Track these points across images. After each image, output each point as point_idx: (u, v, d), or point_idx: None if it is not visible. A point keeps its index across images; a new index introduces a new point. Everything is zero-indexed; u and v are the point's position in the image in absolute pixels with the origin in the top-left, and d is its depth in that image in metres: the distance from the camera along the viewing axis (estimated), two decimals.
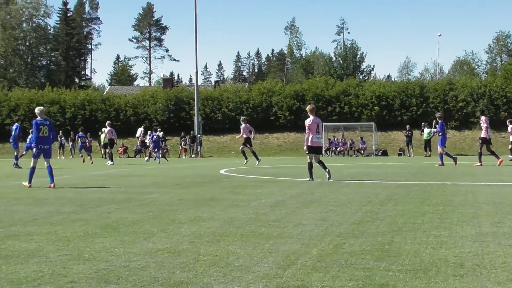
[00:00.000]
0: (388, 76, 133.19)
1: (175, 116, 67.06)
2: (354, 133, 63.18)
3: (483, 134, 30.16)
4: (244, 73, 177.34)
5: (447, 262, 6.75)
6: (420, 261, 6.81)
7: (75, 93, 71.31)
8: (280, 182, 19.52)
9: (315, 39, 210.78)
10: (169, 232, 9.04)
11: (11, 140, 33.74)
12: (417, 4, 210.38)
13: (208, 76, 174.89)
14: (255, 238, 8.41)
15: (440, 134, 30.23)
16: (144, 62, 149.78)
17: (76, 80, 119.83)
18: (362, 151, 58.05)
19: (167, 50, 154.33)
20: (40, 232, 9.09)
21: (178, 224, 9.82)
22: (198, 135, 59.09)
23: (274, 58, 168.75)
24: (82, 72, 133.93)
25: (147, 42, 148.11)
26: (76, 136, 51.94)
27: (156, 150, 43.82)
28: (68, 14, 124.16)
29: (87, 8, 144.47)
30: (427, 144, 51.06)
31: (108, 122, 42.72)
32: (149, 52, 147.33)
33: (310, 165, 20.01)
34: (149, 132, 47.17)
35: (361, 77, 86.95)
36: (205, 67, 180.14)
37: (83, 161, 42.77)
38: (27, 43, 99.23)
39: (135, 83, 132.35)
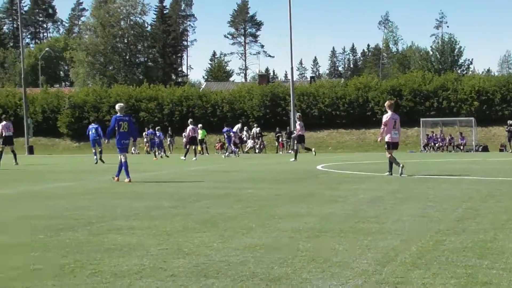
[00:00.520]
0: (488, 70, 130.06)
1: (271, 112, 67.17)
2: (453, 128, 61.92)
3: None
4: (340, 69, 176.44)
5: None
6: None
7: (172, 90, 72.16)
8: (377, 178, 19.32)
9: (411, 33, 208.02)
10: (267, 227, 9.07)
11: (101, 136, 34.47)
12: None
13: (303, 72, 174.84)
14: (353, 234, 8.36)
15: None
16: (239, 58, 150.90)
17: (173, 77, 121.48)
18: (461, 147, 56.89)
19: (262, 46, 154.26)
20: (141, 226, 9.26)
21: (276, 220, 9.84)
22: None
23: (369, 53, 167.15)
24: (179, 69, 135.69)
25: (242, 38, 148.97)
26: (145, 134, 53.15)
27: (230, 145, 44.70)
28: (164, 12, 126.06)
29: (182, 6, 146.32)
30: None
31: (190, 120, 43.10)
32: (245, 48, 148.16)
33: (393, 159, 20.01)
34: (226, 129, 47.25)
35: (459, 71, 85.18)
36: (300, 63, 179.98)
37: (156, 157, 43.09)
38: (125, 41, 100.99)
39: (231, 79, 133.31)
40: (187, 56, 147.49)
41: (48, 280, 5.90)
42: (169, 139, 59.42)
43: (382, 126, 20.28)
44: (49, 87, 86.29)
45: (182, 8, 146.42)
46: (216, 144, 61.18)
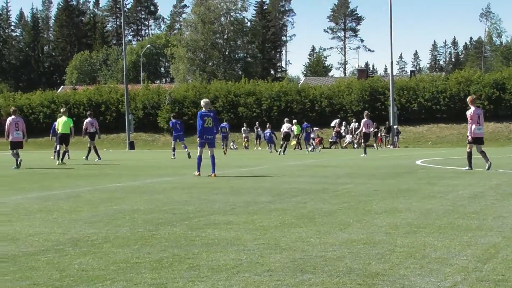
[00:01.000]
0: None
1: (370, 106, 66.55)
2: None
3: None
4: (441, 62, 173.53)
5: None
6: None
7: (270, 85, 72.37)
8: (478, 173, 18.94)
9: None
10: (364, 222, 9.00)
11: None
12: None
13: (403, 66, 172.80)
14: (452, 230, 8.21)
15: None
16: (339, 53, 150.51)
17: (272, 72, 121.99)
18: None
19: (362, 41, 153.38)
20: (238, 221, 9.32)
21: (374, 215, 9.76)
22: (395, 126, 58.46)
23: (471, 46, 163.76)
24: (278, 64, 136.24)
25: (342, 32, 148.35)
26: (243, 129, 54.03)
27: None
28: (264, 7, 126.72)
29: (281, 1, 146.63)
30: None
31: (286, 119, 43.93)
32: (344, 43, 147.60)
33: (470, 155, 20.33)
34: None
35: None
36: (400, 57, 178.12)
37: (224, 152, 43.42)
38: (225, 37, 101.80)
39: (330, 73, 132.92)
40: (286, 51, 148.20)
41: (147, 274, 6.00)
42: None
43: (469, 121, 20.41)
44: (150, 83, 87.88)
45: (281, 4, 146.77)
46: (315, 139, 61.10)
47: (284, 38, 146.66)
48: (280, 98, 69.04)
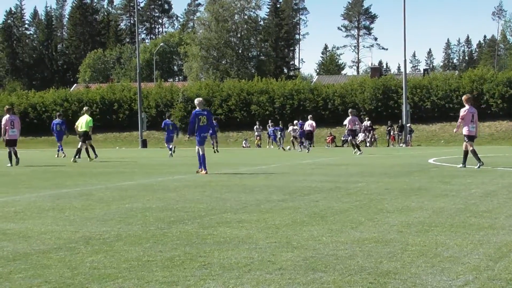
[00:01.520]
0: None
1: (383, 105, 66.49)
2: None
3: None
4: (454, 61, 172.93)
5: None
6: None
7: (283, 83, 72.35)
8: (491, 172, 18.89)
9: None
10: (376, 221, 8.99)
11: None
12: None
13: (416, 64, 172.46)
14: (465, 229, 8.19)
15: None
16: (352, 51, 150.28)
17: (285, 70, 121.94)
18: None
19: (375, 39, 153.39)
20: (250, 220, 9.32)
21: (386, 214, 9.74)
22: (408, 124, 58.32)
23: (485, 45, 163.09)
24: (291, 62, 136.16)
25: (356, 31, 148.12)
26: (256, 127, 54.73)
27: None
28: (277, 6, 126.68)
29: None
30: None
31: (309, 116, 44.21)
32: (358, 41, 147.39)
33: (474, 152, 20.72)
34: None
35: None
36: (414, 55, 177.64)
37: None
38: (239, 35, 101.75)
39: (343, 72, 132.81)
40: (299, 49, 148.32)
41: (158, 272, 6.01)
42: (279, 132, 59.55)
43: (460, 120, 20.97)
44: (163, 81, 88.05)
45: (295, 2, 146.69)
46: (327, 137, 61.07)
47: (297, 36, 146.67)
48: (293, 97, 69.04)
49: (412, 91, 65.04)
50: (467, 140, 20.80)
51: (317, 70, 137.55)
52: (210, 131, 20.82)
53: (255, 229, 8.46)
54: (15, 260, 6.69)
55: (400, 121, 59.27)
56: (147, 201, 11.89)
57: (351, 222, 8.95)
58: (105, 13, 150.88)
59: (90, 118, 30.23)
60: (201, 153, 19.90)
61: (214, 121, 41.07)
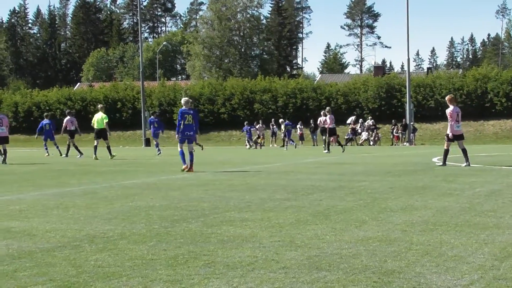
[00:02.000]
0: None
1: (386, 103, 66.43)
2: None
3: None
4: (458, 59, 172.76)
5: None
6: None
7: (286, 82, 72.35)
8: (495, 171, 18.87)
9: None
10: (380, 220, 8.98)
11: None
12: None
13: (420, 63, 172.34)
14: (469, 228, 8.17)
15: None
16: (355, 50, 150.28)
17: (288, 69, 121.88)
18: None
19: (378, 37, 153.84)
20: (254, 218, 9.31)
21: (390, 213, 9.73)
22: (411, 123, 58.29)
23: (489, 43, 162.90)
24: (294, 61, 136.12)
25: (359, 29, 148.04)
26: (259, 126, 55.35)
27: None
28: (280, 4, 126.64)
29: None
30: None
31: (322, 112, 44.15)
32: (361, 40, 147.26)
33: (446, 152, 21.39)
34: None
35: None
36: (417, 54, 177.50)
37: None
38: (241, 34, 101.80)
39: (346, 71, 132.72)
40: (302, 48, 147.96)
41: (162, 270, 6.01)
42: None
43: (449, 118, 21.46)
44: (166, 80, 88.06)
45: (297, 0, 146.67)
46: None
47: (300, 35, 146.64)
48: (295, 95, 69.05)
49: (415, 90, 64.98)
50: (450, 139, 21.40)
51: (320, 69, 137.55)
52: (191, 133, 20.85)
53: (258, 227, 8.45)
54: (20, 258, 6.70)
55: (403, 120, 59.22)
56: (150, 200, 11.89)
57: (355, 221, 8.93)
58: (108, 12, 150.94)
59: (105, 115, 30.63)
60: (179, 149, 20.71)
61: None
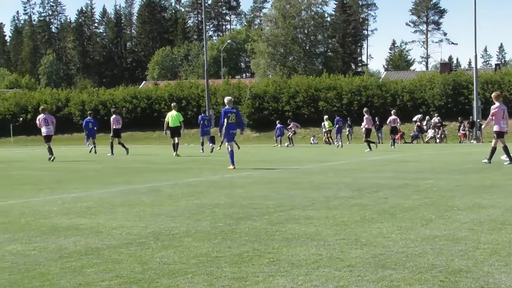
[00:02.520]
0: None
1: (453, 101, 65.50)
2: None
3: None
4: None
5: None
6: None
7: (351, 79, 71.92)
8: None
9: None
10: (447, 218, 8.85)
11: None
12: None
13: (488, 59, 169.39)
14: None
15: None
16: (421, 47, 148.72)
17: (353, 66, 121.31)
18: None
19: (445, 34, 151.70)
20: (319, 216, 9.28)
21: (456, 211, 9.59)
22: (478, 120, 57.40)
23: None
24: (358, 58, 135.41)
25: (425, 26, 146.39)
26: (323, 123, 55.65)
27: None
28: (345, 1, 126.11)
29: None
30: None
31: (393, 111, 44.37)
32: (426, 36, 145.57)
33: (506, 148, 21.05)
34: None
35: None
36: (485, 50, 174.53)
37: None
38: (306, 31, 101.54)
39: (412, 68, 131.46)
40: (367, 45, 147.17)
41: (227, 268, 6.03)
42: (348, 129, 59.23)
43: (490, 117, 21.33)
44: (230, 78, 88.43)
45: None
46: (397, 135, 60.49)
47: (365, 32, 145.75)
48: (360, 93, 68.60)
49: (483, 87, 63.89)
50: (496, 137, 21.19)
51: (385, 66, 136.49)
52: (232, 131, 21.08)
53: (323, 225, 8.42)
54: (87, 254, 6.80)
55: (470, 117, 58.34)
56: (215, 198, 11.95)
57: (421, 219, 8.83)
58: (173, 11, 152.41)
59: (178, 112, 31.42)
60: (229, 149, 20.80)
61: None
